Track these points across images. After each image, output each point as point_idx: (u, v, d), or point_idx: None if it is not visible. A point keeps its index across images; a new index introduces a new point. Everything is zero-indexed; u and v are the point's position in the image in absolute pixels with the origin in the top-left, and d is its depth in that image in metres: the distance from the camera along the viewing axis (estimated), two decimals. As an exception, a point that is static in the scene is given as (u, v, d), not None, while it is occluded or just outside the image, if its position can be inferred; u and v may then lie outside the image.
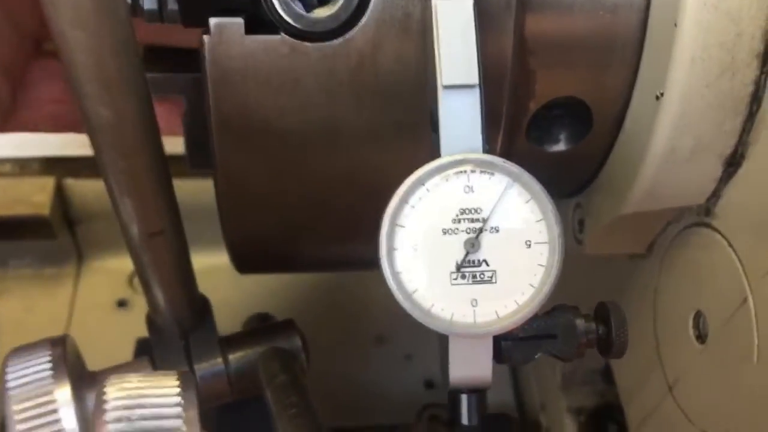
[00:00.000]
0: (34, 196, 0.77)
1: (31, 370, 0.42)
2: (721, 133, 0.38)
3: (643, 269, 0.47)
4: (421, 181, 0.34)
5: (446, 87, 0.34)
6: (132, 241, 0.43)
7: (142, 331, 0.51)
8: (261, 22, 0.37)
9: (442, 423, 0.41)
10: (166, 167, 0.41)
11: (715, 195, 0.40)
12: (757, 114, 0.38)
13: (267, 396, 0.47)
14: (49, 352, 0.43)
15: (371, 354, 0.77)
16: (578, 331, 0.36)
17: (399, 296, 0.33)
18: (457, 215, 0.34)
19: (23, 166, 0.79)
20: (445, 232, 0.34)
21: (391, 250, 0.33)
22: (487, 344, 0.35)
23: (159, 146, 0.40)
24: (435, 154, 0.34)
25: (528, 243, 0.34)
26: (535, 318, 0.34)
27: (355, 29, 0.37)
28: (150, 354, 0.49)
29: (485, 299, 0.34)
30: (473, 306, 0.34)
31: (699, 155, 0.39)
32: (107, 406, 0.34)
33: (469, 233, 0.34)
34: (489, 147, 0.34)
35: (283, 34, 0.37)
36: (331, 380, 0.69)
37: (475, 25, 0.34)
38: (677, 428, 0.45)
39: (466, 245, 0.34)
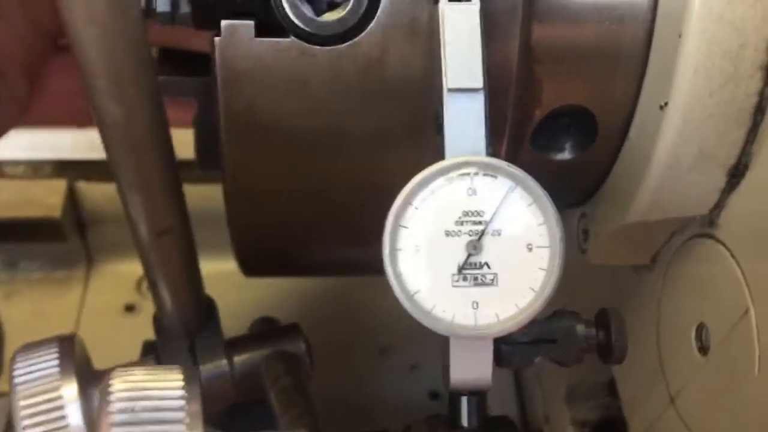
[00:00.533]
0: (47, 198, 0.78)
1: (38, 366, 0.42)
2: (724, 143, 0.38)
3: (647, 281, 0.47)
4: (424, 183, 0.34)
5: (451, 90, 0.34)
6: (140, 240, 0.43)
7: (149, 336, 0.52)
8: (271, 25, 0.37)
9: (443, 423, 0.41)
10: (175, 166, 0.41)
11: (719, 205, 0.40)
12: (761, 125, 0.38)
13: (270, 397, 0.47)
14: (57, 349, 0.43)
15: (376, 364, 0.77)
16: (578, 336, 0.37)
17: (401, 297, 0.34)
18: (459, 217, 0.34)
19: (36, 169, 0.79)
20: (447, 233, 0.34)
21: (394, 250, 0.34)
22: (488, 347, 0.35)
23: (168, 144, 0.41)
24: (439, 156, 0.35)
25: (529, 246, 0.34)
26: (535, 322, 0.35)
27: (363, 33, 0.37)
28: (156, 354, 0.49)
29: (486, 301, 0.34)
30: (474, 308, 0.34)
31: (703, 165, 0.39)
32: (112, 398, 0.34)
33: (471, 235, 0.34)
34: (493, 153, 0.35)
35: (292, 37, 0.37)
36: (335, 390, 0.69)
37: (481, 30, 0.35)
38: (679, 439, 0.45)
39: (468, 247, 0.34)
